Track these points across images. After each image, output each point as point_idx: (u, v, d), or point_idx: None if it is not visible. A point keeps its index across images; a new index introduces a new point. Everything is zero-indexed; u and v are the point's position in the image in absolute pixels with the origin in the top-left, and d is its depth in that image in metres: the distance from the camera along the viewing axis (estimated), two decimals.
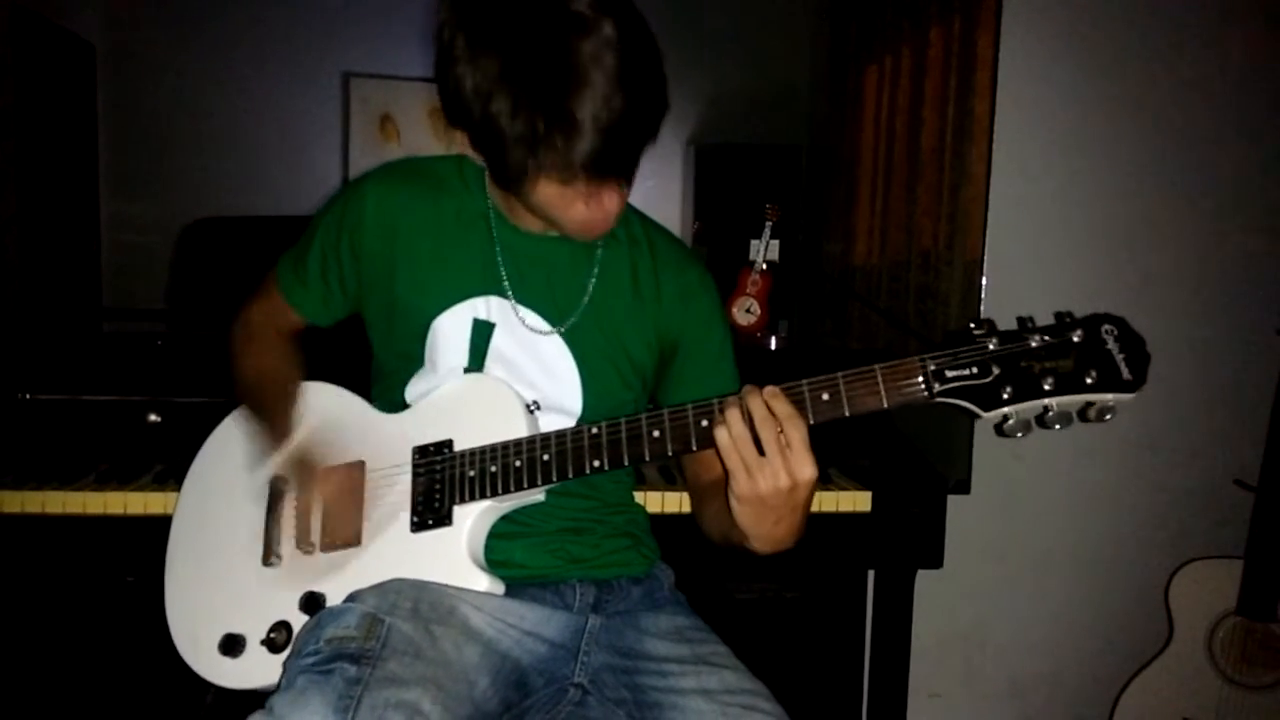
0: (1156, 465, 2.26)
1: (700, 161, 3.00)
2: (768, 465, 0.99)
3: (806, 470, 0.99)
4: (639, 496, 1.46)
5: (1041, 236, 2.17)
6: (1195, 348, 2.21)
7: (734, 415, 1.01)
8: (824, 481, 1.73)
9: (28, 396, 1.66)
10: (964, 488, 1.81)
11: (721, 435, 1.01)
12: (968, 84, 2.15)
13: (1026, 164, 2.14)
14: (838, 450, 1.82)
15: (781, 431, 0.99)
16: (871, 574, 2.02)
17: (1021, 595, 2.32)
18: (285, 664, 1.03)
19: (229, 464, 1.29)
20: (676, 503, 1.58)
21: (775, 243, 2.18)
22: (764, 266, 2.17)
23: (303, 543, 1.18)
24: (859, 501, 1.67)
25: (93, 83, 2.82)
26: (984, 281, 2.10)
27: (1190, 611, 2.07)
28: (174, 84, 2.92)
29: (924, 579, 1.84)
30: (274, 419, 1.24)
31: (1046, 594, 2.32)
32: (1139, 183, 2.18)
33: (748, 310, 2.18)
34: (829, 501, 1.66)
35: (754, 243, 2.19)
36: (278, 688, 1.00)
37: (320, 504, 1.19)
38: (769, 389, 1.02)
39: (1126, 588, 2.30)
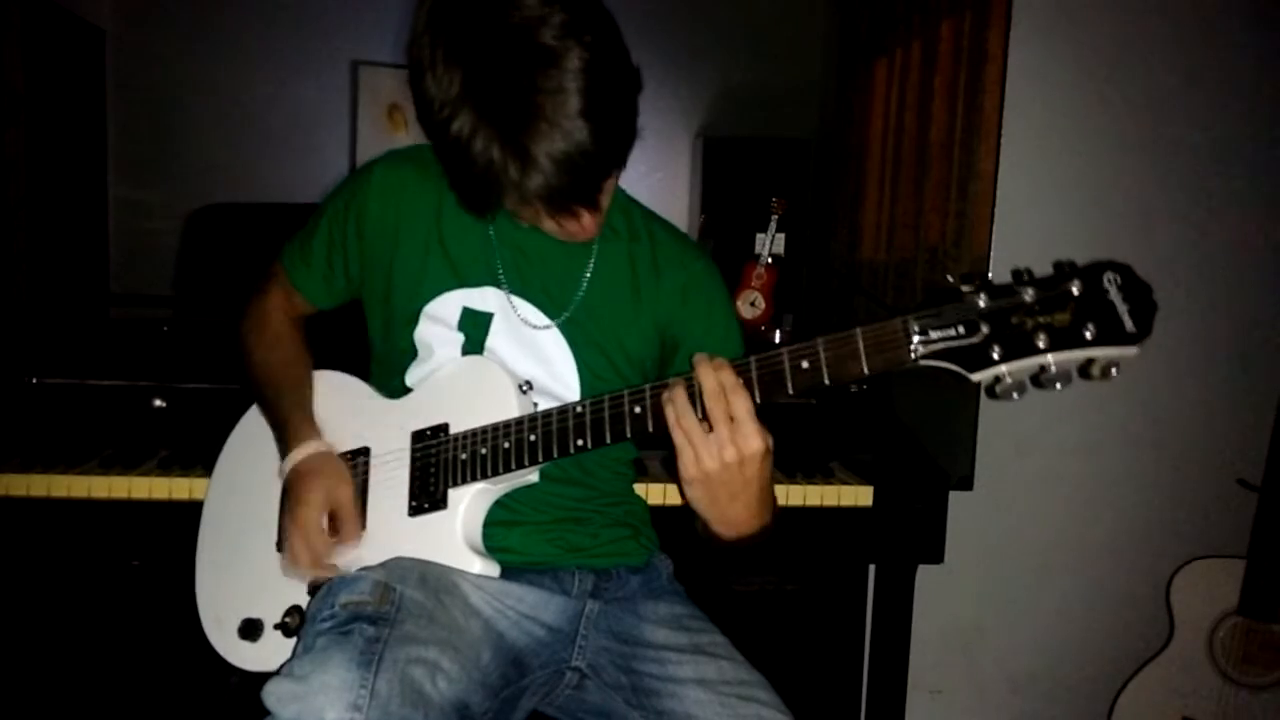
0: (1159, 464, 2.26)
1: (708, 154, 2.99)
2: (713, 439, 0.96)
3: (753, 442, 0.96)
4: (640, 489, 1.46)
5: (1049, 233, 2.16)
6: (1200, 346, 2.20)
7: (679, 389, 0.99)
8: (826, 475, 1.73)
9: (35, 380, 1.67)
10: (967, 484, 1.81)
11: (668, 410, 0.99)
12: (977, 79, 2.14)
13: (1035, 160, 2.13)
14: (840, 444, 1.82)
15: (728, 404, 0.96)
16: (872, 568, 2.03)
17: (1022, 592, 2.32)
18: (301, 632, 1.04)
19: (251, 452, 1.32)
20: (679, 495, 1.58)
21: (781, 236, 2.18)
22: (769, 260, 2.17)
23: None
24: (861, 496, 1.67)
25: (102, 68, 2.82)
26: (991, 278, 2.09)
27: (1191, 610, 2.06)
28: (183, 70, 2.92)
29: (925, 574, 1.84)
30: (286, 414, 1.26)
31: (1047, 591, 2.32)
32: (1146, 180, 2.17)
33: (752, 304, 2.18)
34: (830, 495, 1.66)
35: (760, 236, 2.19)
36: (294, 655, 1.01)
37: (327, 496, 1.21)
38: (716, 360, 0.98)
39: (1128, 586, 2.30)
